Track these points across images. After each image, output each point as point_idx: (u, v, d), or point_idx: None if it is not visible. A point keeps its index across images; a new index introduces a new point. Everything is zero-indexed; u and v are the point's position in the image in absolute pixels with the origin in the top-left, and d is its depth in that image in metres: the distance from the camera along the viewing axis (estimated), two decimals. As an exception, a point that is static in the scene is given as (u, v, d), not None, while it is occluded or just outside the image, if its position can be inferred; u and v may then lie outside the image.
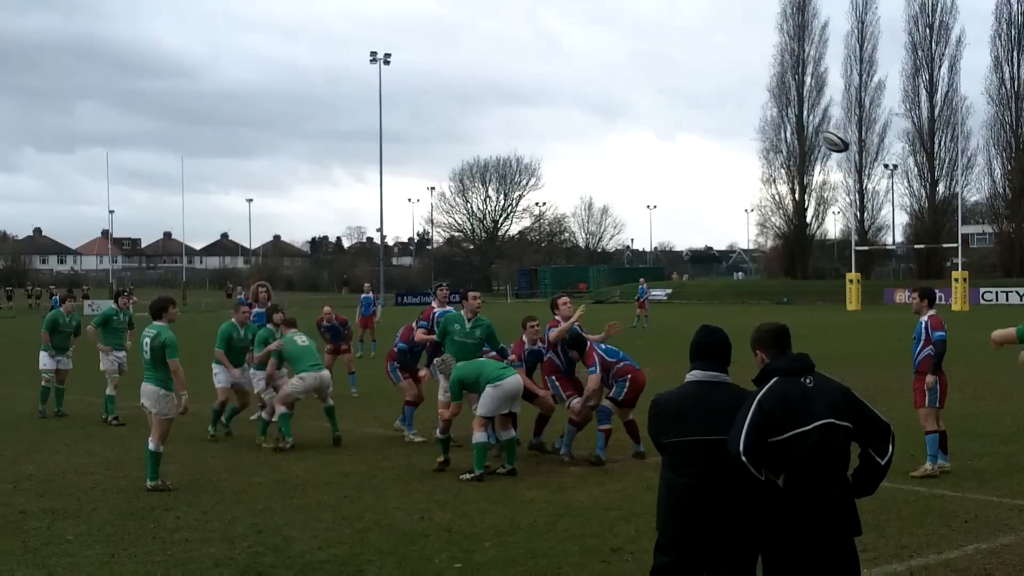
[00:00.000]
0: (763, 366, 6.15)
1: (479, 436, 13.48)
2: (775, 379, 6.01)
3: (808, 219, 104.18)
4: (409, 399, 16.67)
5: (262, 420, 16.40)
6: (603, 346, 14.89)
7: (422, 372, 16.70)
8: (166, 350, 13.02)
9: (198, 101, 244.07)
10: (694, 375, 6.26)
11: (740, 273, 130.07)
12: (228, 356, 17.02)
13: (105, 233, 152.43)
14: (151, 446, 13.01)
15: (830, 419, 5.88)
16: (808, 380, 5.99)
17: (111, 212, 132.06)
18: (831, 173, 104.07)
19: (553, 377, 14.94)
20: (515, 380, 13.80)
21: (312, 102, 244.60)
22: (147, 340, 13.18)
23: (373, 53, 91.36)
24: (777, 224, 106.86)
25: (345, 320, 24.07)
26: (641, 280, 54.47)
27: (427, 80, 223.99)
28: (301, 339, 16.23)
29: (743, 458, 5.81)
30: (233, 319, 17.36)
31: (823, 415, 5.88)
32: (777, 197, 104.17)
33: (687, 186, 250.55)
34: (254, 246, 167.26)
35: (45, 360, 20.08)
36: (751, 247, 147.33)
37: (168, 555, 9.98)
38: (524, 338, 15.35)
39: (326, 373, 16.34)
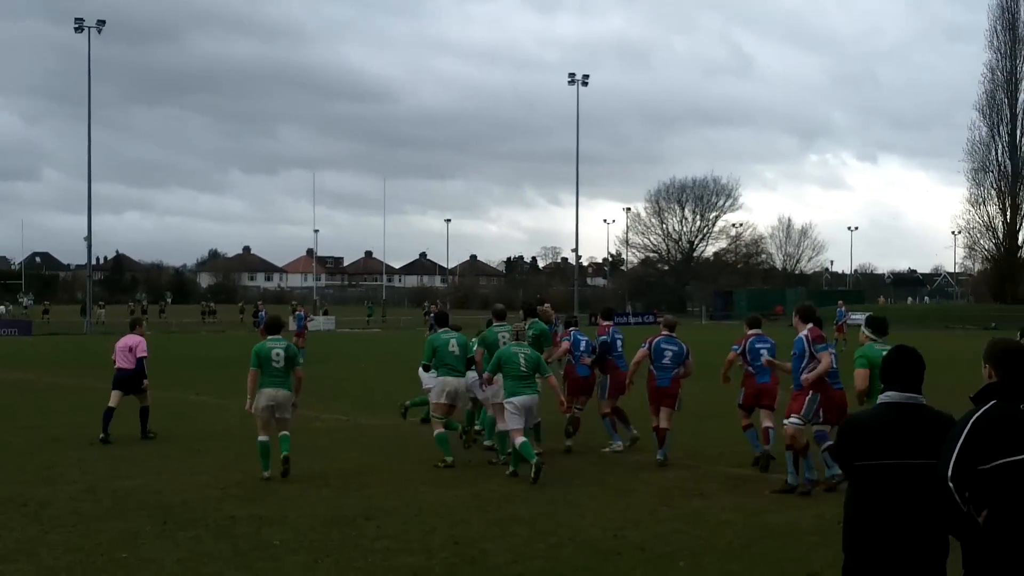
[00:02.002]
0: (985, 384, 5.79)
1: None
2: (993, 402, 5.66)
3: (1020, 242, 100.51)
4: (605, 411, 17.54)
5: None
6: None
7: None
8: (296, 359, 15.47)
9: (396, 124, 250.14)
10: (889, 396, 6.07)
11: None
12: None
13: (310, 252, 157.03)
14: None
15: None
16: None
17: (316, 231, 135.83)
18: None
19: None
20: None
21: (506, 124, 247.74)
22: (279, 351, 15.09)
23: (571, 74, 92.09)
24: (986, 247, 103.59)
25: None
26: (840, 303, 53.32)
27: (620, 101, 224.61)
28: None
29: (949, 484, 5.47)
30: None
31: None
32: (986, 219, 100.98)
33: (889, 208, 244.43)
34: (451, 265, 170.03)
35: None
36: (957, 270, 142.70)
37: (368, 562, 10.25)
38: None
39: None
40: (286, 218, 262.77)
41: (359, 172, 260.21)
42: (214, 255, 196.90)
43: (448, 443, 15.88)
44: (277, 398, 14.93)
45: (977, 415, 5.59)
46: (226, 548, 10.86)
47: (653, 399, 16.27)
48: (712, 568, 10.06)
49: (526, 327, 16.57)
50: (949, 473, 5.47)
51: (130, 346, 19.12)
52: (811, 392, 13.84)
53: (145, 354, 19.16)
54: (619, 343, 17.99)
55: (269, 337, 15.44)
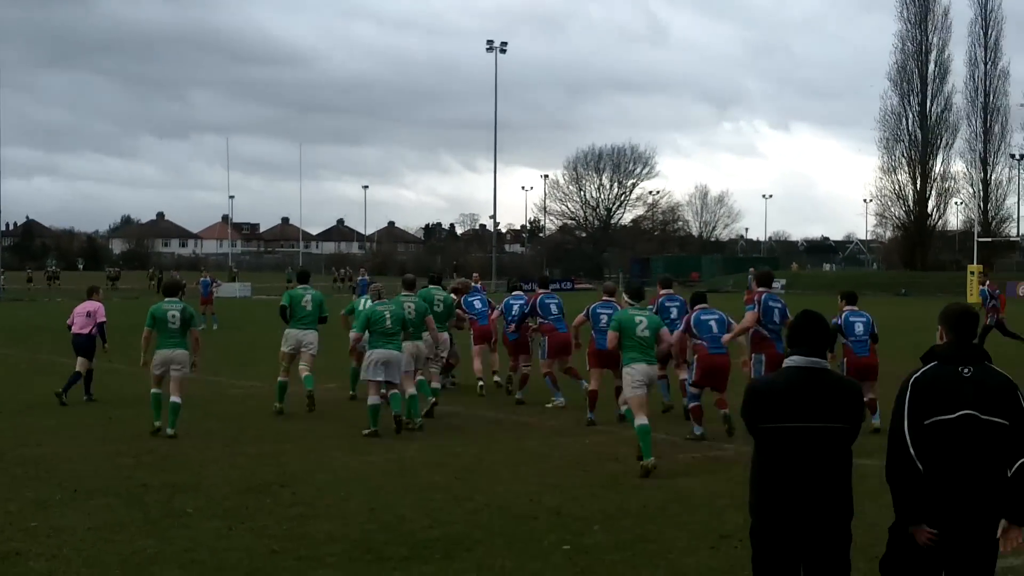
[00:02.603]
0: (933, 345, 6.17)
1: None
2: (934, 363, 6.02)
3: (929, 209, 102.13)
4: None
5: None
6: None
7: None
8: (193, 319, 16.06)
9: (309, 89, 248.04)
10: (793, 360, 6.14)
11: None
12: None
13: (225, 218, 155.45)
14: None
15: (972, 411, 5.84)
16: (966, 370, 5.95)
17: (231, 198, 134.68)
18: (954, 163, 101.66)
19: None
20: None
21: (421, 91, 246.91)
22: (175, 312, 15.72)
23: (490, 42, 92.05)
24: (897, 214, 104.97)
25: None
26: (751, 270, 53.95)
27: (536, 68, 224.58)
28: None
29: (906, 437, 5.87)
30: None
31: (967, 406, 5.84)
32: (897, 187, 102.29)
33: (803, 176, 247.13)
34: (369, 232, 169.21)
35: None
36: (869, 238, 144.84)
37: (284, 529, 10.19)
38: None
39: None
40: (200, 184, 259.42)
41: (273, 137, 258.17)
42: (127, 221, 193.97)
43: (378, 415, 15.63)
44: (173, 358, 15.67)
45: (916, 375, 5.98)
46: (138, 516, 10.74)
47: (592, 362, 16.77)
48: (627, 531, 10.14)
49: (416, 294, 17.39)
50: (905, 427, 5.88)
51: (88, 311, 19.54)
52: (754, 354, 15.20)
53: (104, 319, 19.62)
54: (554, 307, 18.67)
55: (166, 299, 16.10)
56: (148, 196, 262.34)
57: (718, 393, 15.47)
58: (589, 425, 16.36)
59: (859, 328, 16.09)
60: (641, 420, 13.01)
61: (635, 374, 13.32)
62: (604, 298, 17.44)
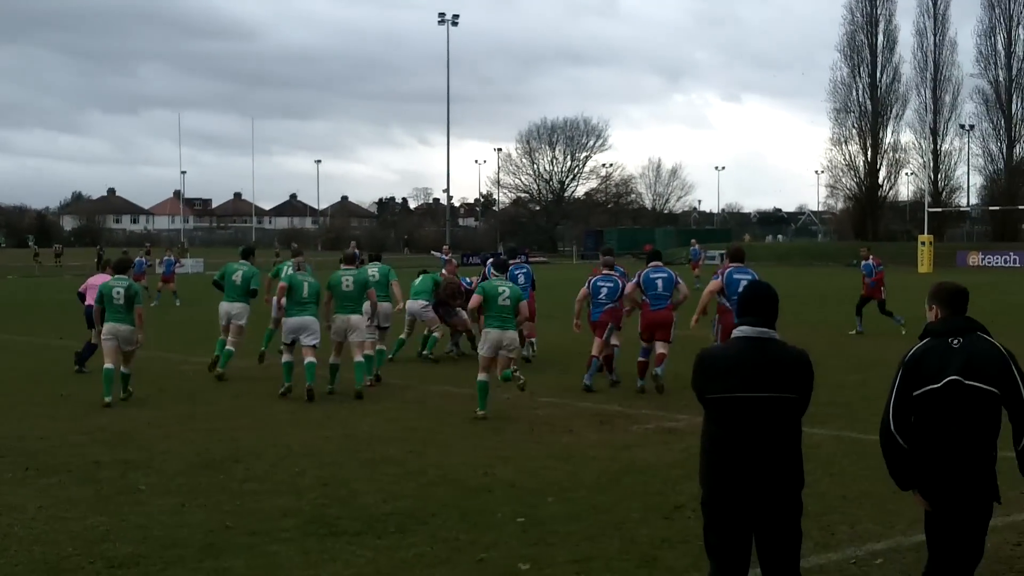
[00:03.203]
0: (927, 323, 6.40)
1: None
2: (928, 339, 6.26)
3: (880, 180, 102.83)
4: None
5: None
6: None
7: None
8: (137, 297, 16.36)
9: (258, 62, 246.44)
10: (741, 330, 6.14)
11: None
12: None
13: (177, 194, 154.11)
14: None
15: (957, 377, 6.04)
16: (955, 341, 6.16)
17: (183, 173, 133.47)
18: (903, 134, 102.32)
19: None
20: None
21: (371, 64, 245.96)
22: (119, 290, 16.24)
23: (441, 14, 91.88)
24: (848, 186, 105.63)
25: None
26: (693, 242, 54.42)
27: (487, 40, 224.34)
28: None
29: (890, 422, 6.19)
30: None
31: (952, 373, 6.05)
32: (848, 158, 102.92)
33: (755, 148, 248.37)
34: (322, 207, 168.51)
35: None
36: (821, 209, 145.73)
37: (237, 505, 10.17)
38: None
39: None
40: (151, 159, 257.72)
41: (223, 112, 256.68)
42: (78, 197, 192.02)
43: (290, 372, 16.82)
44: (117, 333, 16.18)
45: (909, 354, 6.25)
46: (90, 493, 10.67)
47: (594, 330, 17.68)
48: (581, 502, 10.20)
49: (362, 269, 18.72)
50: (890, 403, 6.20)
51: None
52: (714, 322, 16.75)
53: None
54: (522, 277, 20.35)
55: (115, 276, 16.83)
56: (99, 172, 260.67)
57: (664, 346, 16.67)
58: (612, 385, 17.61)
59: (660, 284, 16.86)
60: (482, 377, 15.01)
61: (489, 339, 14.99)
62: (604, 272, 18.01)
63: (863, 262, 27.19)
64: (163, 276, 41.59)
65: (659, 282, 16.81)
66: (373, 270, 19.55)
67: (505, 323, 15.00)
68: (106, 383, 15.96)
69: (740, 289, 16.05)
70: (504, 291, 15.11)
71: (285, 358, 16.98)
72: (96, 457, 12.37)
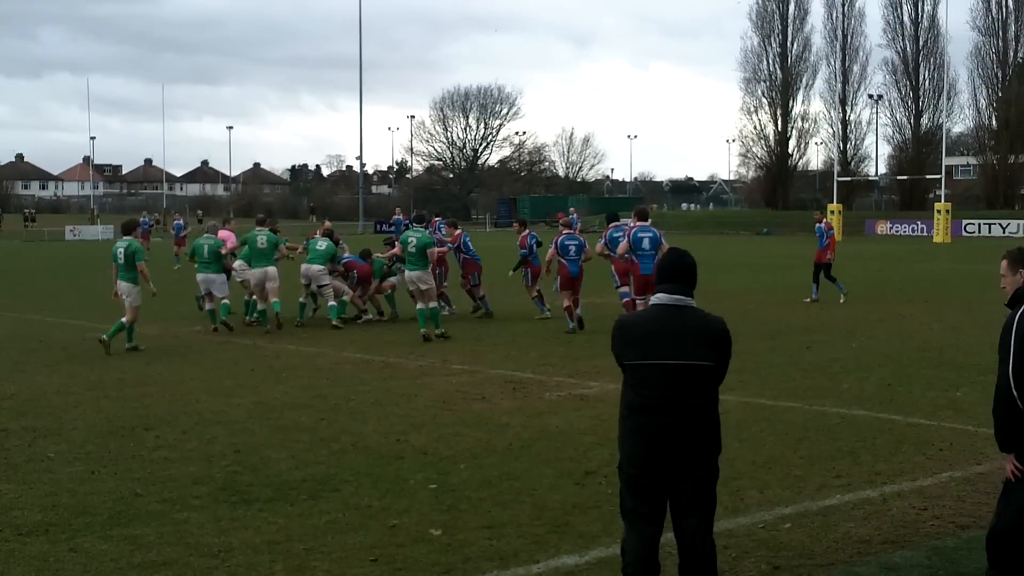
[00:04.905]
0: (1017, 288, 6.50)
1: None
2: None
3: (790, 150, 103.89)
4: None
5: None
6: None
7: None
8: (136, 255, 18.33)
9: (162, 26, 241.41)
10: (659, 298, 6.18)
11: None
12: None
13: (86, 159, 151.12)
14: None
15: None
16: None
17: (92, 139, 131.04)
18: (813, 103, 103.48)
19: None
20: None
21: (277, 28, 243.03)
22: (120, 249, 18.34)
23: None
24: (759, 155, 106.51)
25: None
26: (571, 209, 54.88)
27: (394, 5, 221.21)
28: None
29: (1012, 388, 6.17)
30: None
31: None
32: (759, 127, 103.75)
33: (667, 116, 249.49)
34: (234, 173, 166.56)
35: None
36: (732, 178, 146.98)
37: (147, 472, 10.11)
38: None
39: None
40: (57, 125, 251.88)
41: (130, 77, 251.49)
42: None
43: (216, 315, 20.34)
44: (120, 288, 18.37)
45: (1017, 317, 6.25)
46: (-3, 462, 10.55)
47: (561, 285, 20.86)
48: (493, 469, 10.26)
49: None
50: (1009, 367, 6.19)
51: None
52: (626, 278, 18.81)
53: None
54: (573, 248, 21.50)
55: (122, 238, 18.72)
56: (4, 137, 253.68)
57: (572, 294, 20.31)
58: (569, 333, 20.23)
59: (646, 243, 18.17)
60: (419, 306, 19.67)
61: (407, 279, 20.07)
62: (566, 231, 21.43)
63: (816, 225, 27.36)
64: (175, 239, 44.17)
65: (645, 240, 18.17)
66: (263, 236, 21.24)
67: (415, 265, 19.56)
68: (114, 329, 18.09)
69: (644, 245, 18.07)
70: (412, 240, 19.69)
71: (209, 306, 20.84)
72: (4, 425, 12.22)
